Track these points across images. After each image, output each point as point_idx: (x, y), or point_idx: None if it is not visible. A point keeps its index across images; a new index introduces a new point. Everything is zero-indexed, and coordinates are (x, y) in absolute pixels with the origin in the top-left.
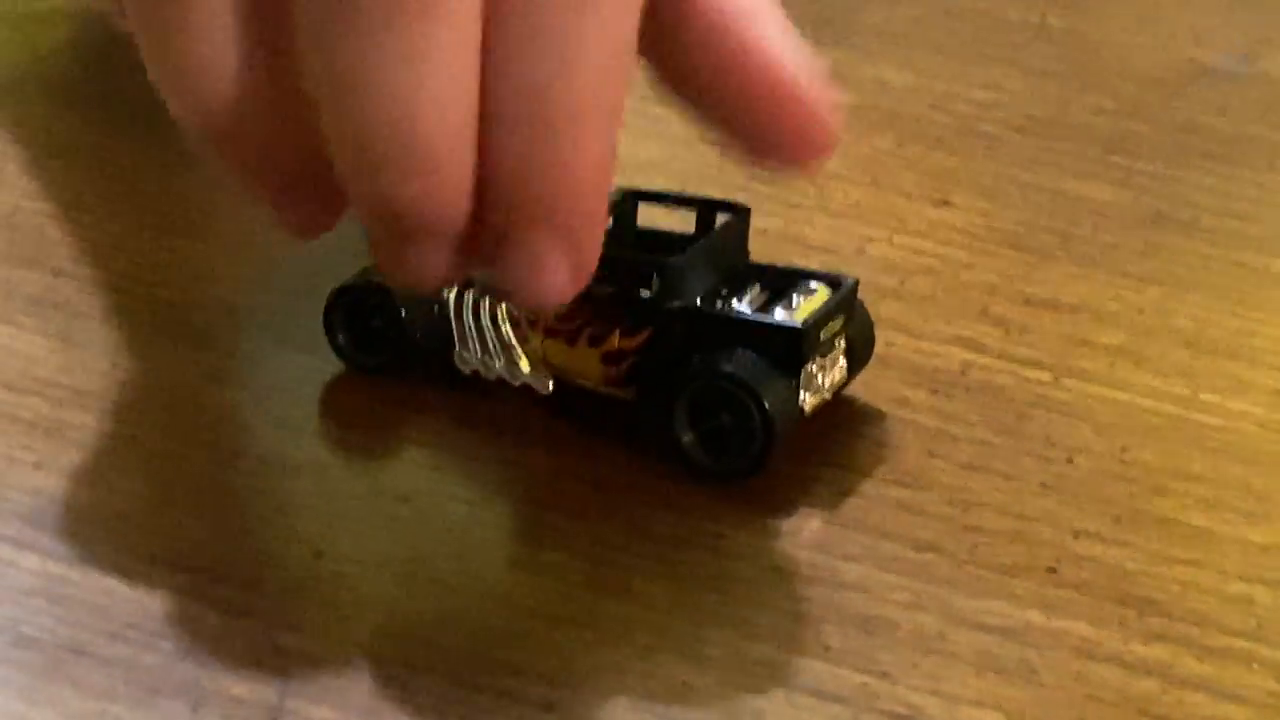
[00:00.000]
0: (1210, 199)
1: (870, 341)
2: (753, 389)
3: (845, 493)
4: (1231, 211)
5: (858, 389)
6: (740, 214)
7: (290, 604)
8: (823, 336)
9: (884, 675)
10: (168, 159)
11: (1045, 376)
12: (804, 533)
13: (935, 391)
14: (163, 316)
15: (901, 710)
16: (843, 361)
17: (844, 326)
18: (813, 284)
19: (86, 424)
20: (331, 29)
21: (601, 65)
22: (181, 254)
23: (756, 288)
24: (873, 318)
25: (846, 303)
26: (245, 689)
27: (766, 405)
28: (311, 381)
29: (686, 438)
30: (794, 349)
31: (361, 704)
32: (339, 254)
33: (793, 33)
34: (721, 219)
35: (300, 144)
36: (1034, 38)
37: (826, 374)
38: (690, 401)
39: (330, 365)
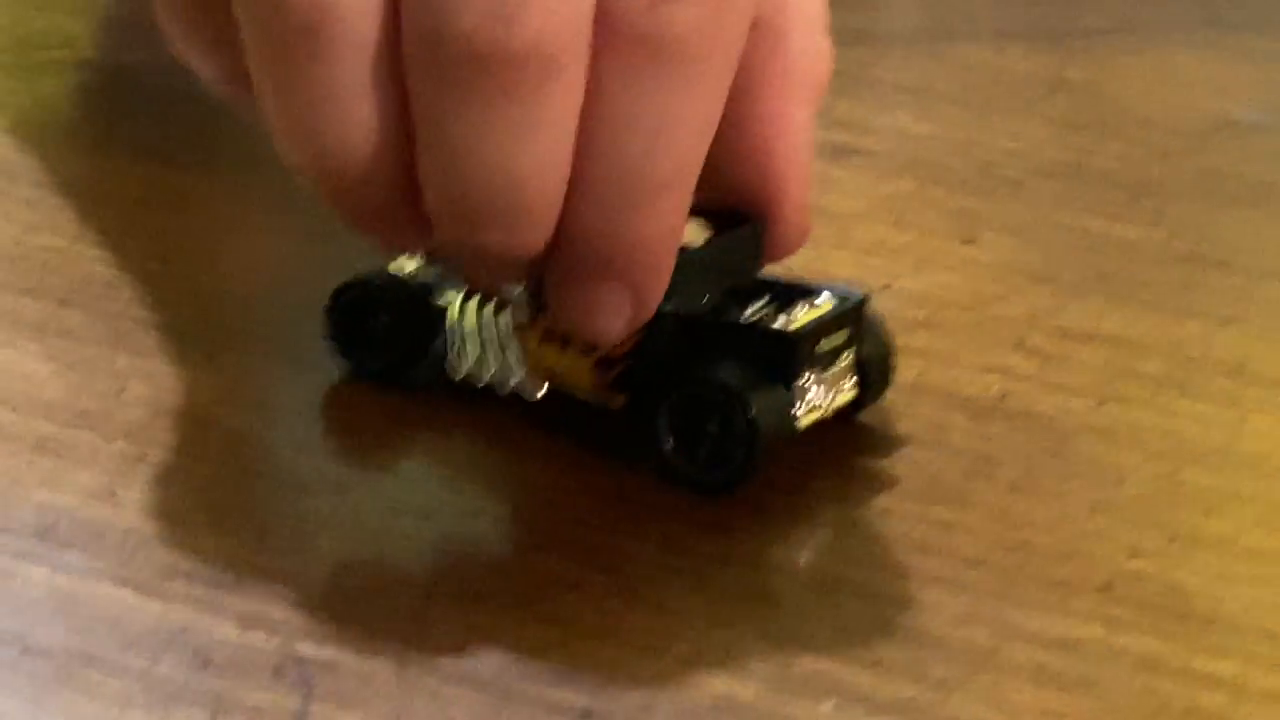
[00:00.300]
0: (1243, 239)
1: (888, 363)
2: (740, 396)
3: (886, 512)
4: (1267, 250)
5: (889, 416)
6: (752, 226)
7: (313, 617)
8: (822, 349)
9: (939, 686)
10: (171, 197)
11: (1087, 404)
12: (846, 550)
13: (973, 417)
14: (169, 342)
15: None
16: (852, 379)
17: (851, 341)
18: (821, 297)
19: (95, 444)
20: (447, 99)
21: (689, 144)
22: (187, 283)
23: (764, 300)
24: (899, 346)
25: (853, 315)
26: (266, 697)
27: (753, 414)
28: (322, 400)
29: (668, 445)
30: (787, 358)
31: (390, 712)
32: (342, 275)
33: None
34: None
35: (404, 187)
36: (1052, 91)
37: (828, 390)
38: (675, 408)
39: (342, 384)
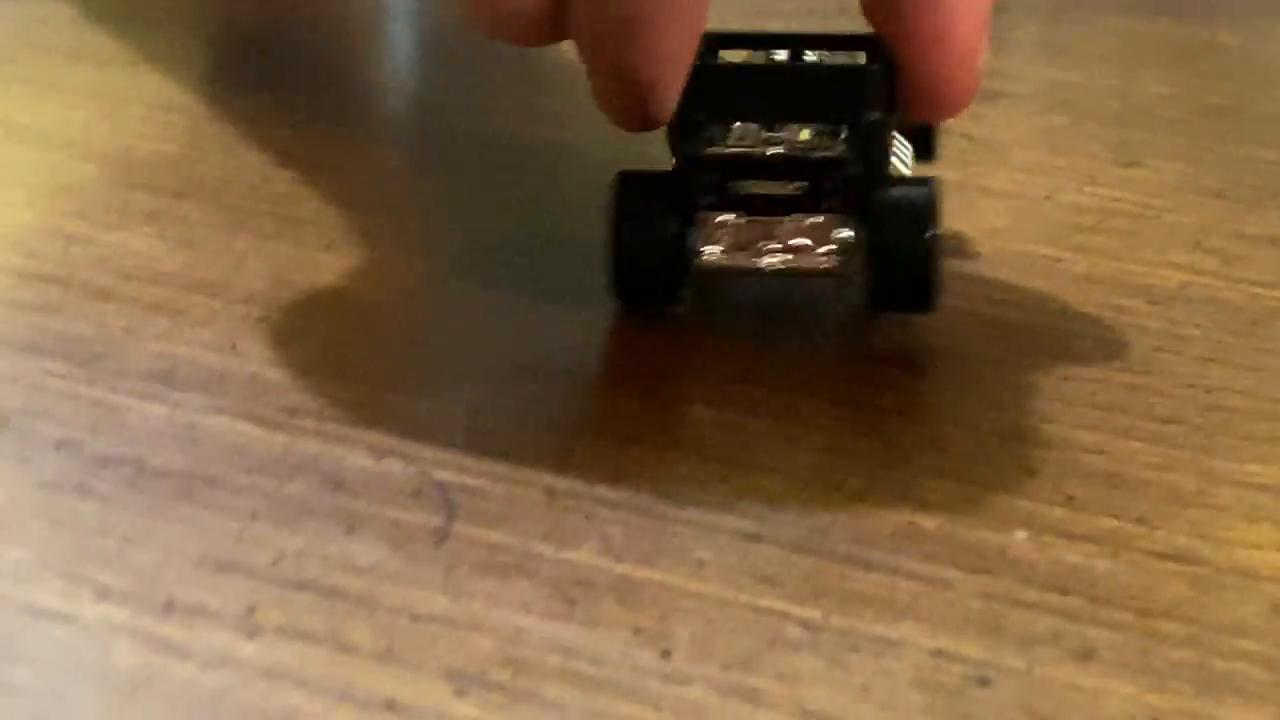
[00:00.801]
0: None
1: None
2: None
3: (1066, 378)
4: None
5: (1057, 298)
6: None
7: (452, 449)
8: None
9: (1140, 521)
10: (284, 120)
11: (1276, 295)
12: (1024, 405)
13: (1154, 303)
14: (289, 228)
15: (1167, 550)
16: None
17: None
18: None
19: (213, 307)
20: None
21: None
22: (304, 185)
23: None
24: (1065, 245)
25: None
26: (406, 514)
27: None
28: (449, 280)
29: None
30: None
31: (541, 530)
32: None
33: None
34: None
35: None
36: (1204, 50)
37: None
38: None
39: (466, 267)
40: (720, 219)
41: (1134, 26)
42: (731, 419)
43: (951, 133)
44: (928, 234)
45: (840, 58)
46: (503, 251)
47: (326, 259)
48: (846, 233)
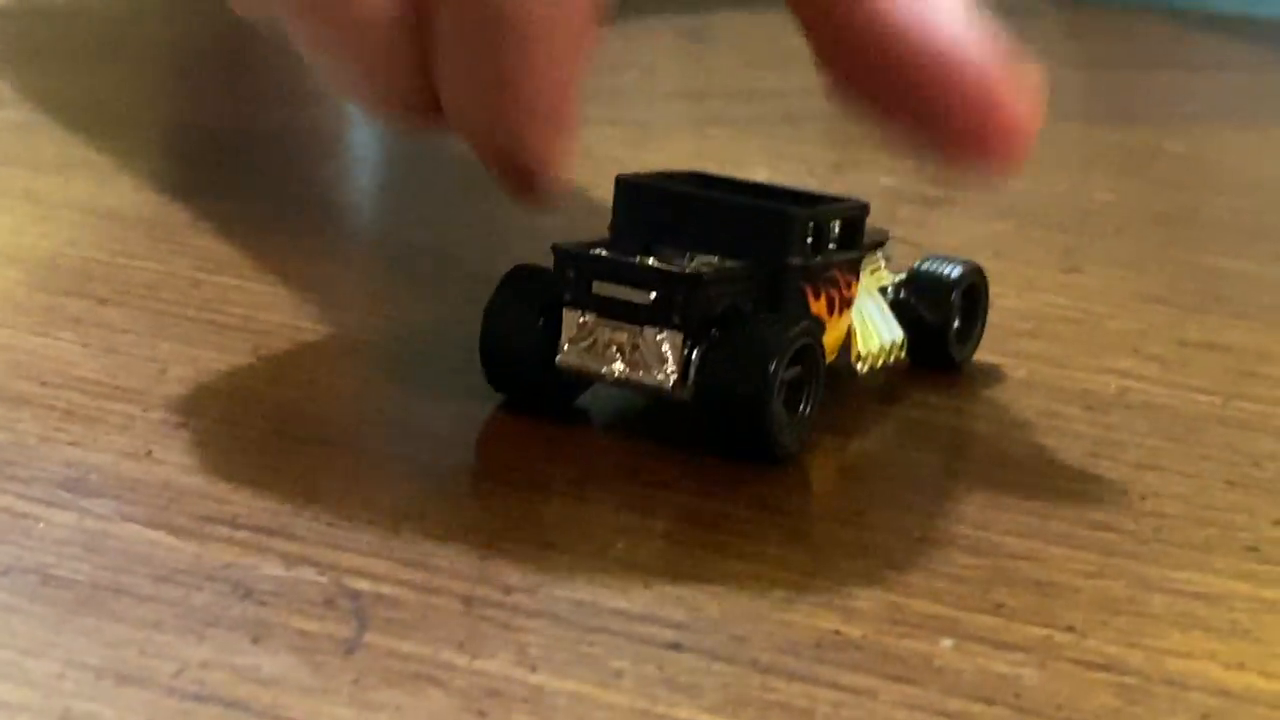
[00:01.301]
0: None
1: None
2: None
3: (998, 484)
4: None
5: (995, 404)
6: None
7: (369, 558)
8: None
9: (1070, 629)
10: (215, 223)
11: (1214, 400)
12: (955, 511)
13: (1090, 408)
14: (213, 334)
15: (1097, 659)
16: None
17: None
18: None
19: (131, 414)
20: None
21: None
22: (231, 290)
23: None
24: (1008, 350)
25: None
26: (315, 624)
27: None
28: (370, 382)
29: None
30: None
31: (456, 639)
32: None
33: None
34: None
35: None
36: (1152, 158)
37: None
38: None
39: (382, 368)
40: (582, 319)
41: (1088, 133)
42: (658, 525)
43: (895, 239)
44: (765, 375)
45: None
46: (435, 355)
47: (250, 364)
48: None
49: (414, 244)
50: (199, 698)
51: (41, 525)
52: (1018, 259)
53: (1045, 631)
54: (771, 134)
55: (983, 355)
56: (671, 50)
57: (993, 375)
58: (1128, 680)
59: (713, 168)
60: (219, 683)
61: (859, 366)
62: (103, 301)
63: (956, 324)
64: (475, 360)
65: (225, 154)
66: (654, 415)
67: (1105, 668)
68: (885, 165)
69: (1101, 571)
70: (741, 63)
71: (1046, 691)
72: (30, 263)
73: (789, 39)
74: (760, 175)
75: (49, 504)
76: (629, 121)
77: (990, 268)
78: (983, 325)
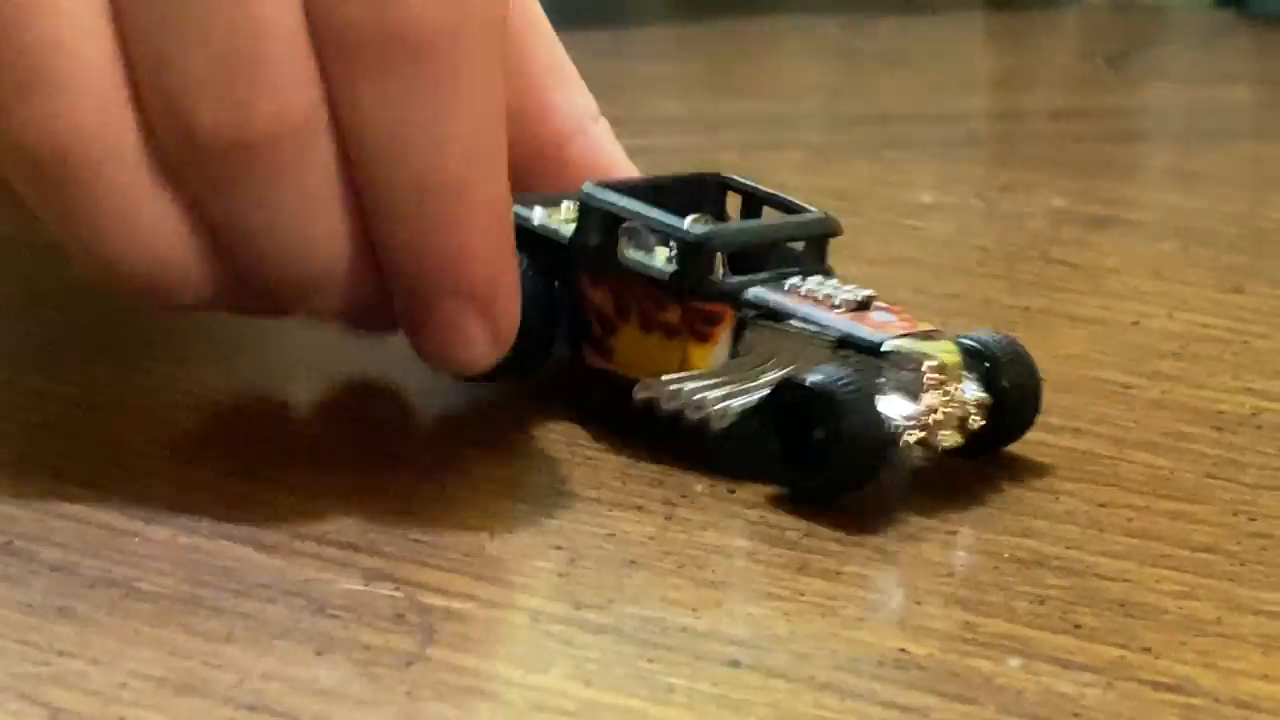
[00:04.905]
0: None
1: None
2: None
3: (1104, 504)
4: None
5: (1117, 422)
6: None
7: (448, 574)
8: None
9: (1146, 650)
10: None
11: None
12: (1052, 532)
13: (1219, 429)
14: (316, 353)
15: (1168, 681)
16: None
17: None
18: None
19: (242, 432)
20: (218, 193)
21: (471, 139)
22: None
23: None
24: (1137, 370)
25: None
26: (380, 638)
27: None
28: (469, 402)
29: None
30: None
31: (517, 654)
32: None
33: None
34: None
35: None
36: None
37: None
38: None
39: (473, 390)
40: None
41: (1269, 152)
42: (741, 544)
43: (1051, 260)
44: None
45: None
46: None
47: (348, 384)
48: None
49: None
50: (252, 708)
51: (137, 540)
52: (1176, 279)
53: (1119, 652)
54: (947, 156)
55: (1116, 375)
56: (861, 74)
57: (1122, 396)
58: (1195, 701)
59: (880, 191)
60: (275, 694)
61: None
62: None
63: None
64: (575, 380)
65: None
66: (747, 439)
67: (1174, 689)
68: (1056, 187)
69: (1192, 592)
70: (930, 85)
71: (1107, 712)
72: None
73: (979, 61)
74: (926, 198)
75: (149, 520)
76: (805, 146)
77: (1147, 288)
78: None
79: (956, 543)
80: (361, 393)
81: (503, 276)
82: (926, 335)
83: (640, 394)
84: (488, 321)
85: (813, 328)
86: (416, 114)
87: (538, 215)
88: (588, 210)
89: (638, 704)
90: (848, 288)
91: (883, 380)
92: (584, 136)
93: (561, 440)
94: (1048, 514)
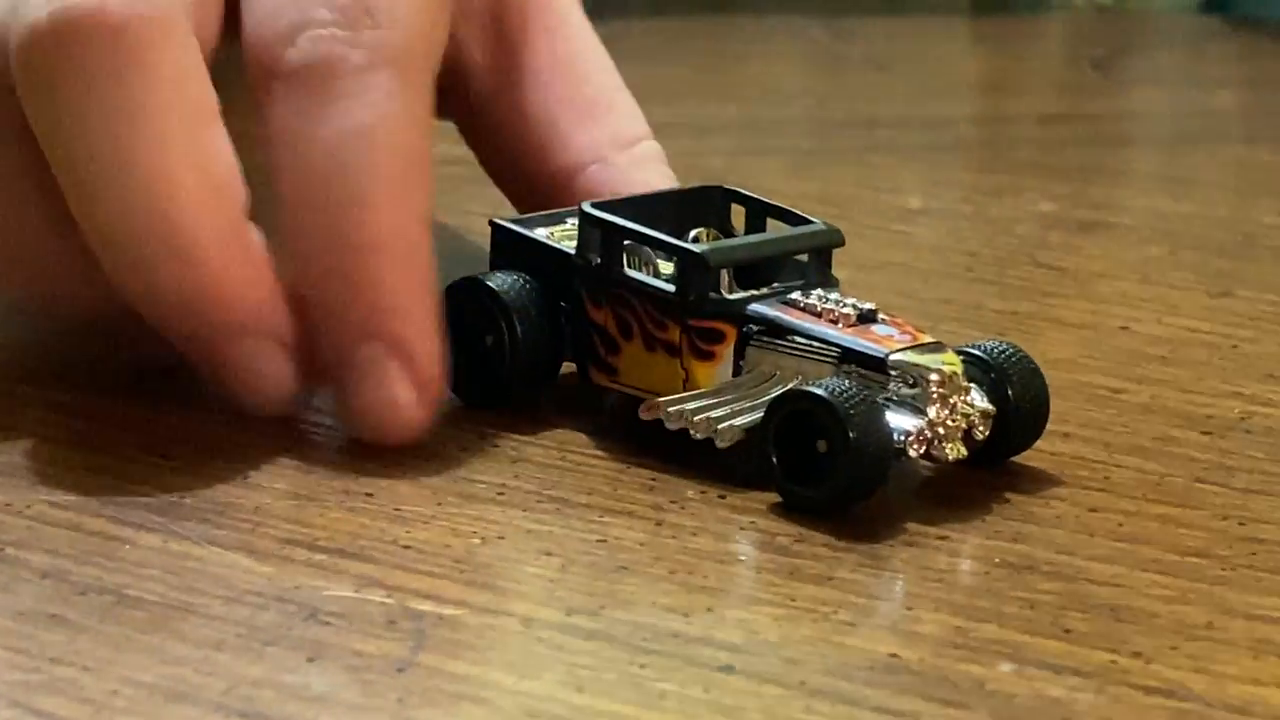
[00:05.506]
0: None
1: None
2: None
3: (1094, 509)
4: None
5: (1104, 427)
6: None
7: (439, 580)
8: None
9: (1137, 655)
10: None
11: None
12: (1044, 537)
13: (1208, 434)
14: None
15: (1159, 685)
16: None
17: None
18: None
19: (233, 439)
20: (56, 110)
21: (382, 156)
22: None
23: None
24: (1127, 374)
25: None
26: (373, 645)
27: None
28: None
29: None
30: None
31: (508, 660)
32: None
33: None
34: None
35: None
36: None
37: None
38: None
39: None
40: None
41: (1256, 156)
42: (733, 549)
43: (1040, 264)
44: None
45: None
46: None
47: None
48: None
49: None
50: (243, 715)
51: (127, 547)
52: (1165, 283)
53: (1110, 657)
54: (934, 161)
55: (1105, 380)
56: (847, 78)
57: (1111, 401)
58: (1186, 706)
59: (867, 196)
60: (266, 700)
61: None
62: None
63: None
64: (567, 385)
65: None
66: (742, 446)
67: (1165, 693)
68: (1044, 191)
69: (1183, 597)
70: (917, 90)
71: (1098, 716)
72: None
73: (966, 65)
74: (914, 203)
75: (139, 527)
76: (792, 151)
77: (1135, 293)
78: None
79: (947, 548)
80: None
81: (418, 322)
82: (930, 348)
83: (644, 414)
84: (410, 371)
85: (816, 344)
86: (334, 127)
87: (540, 234)
88: (585, 229)
89: (629, 710)
90: (850, 301)
91: (888, 394)
92: (602, 168)
93: (552, 446)
94: (1038, 519)
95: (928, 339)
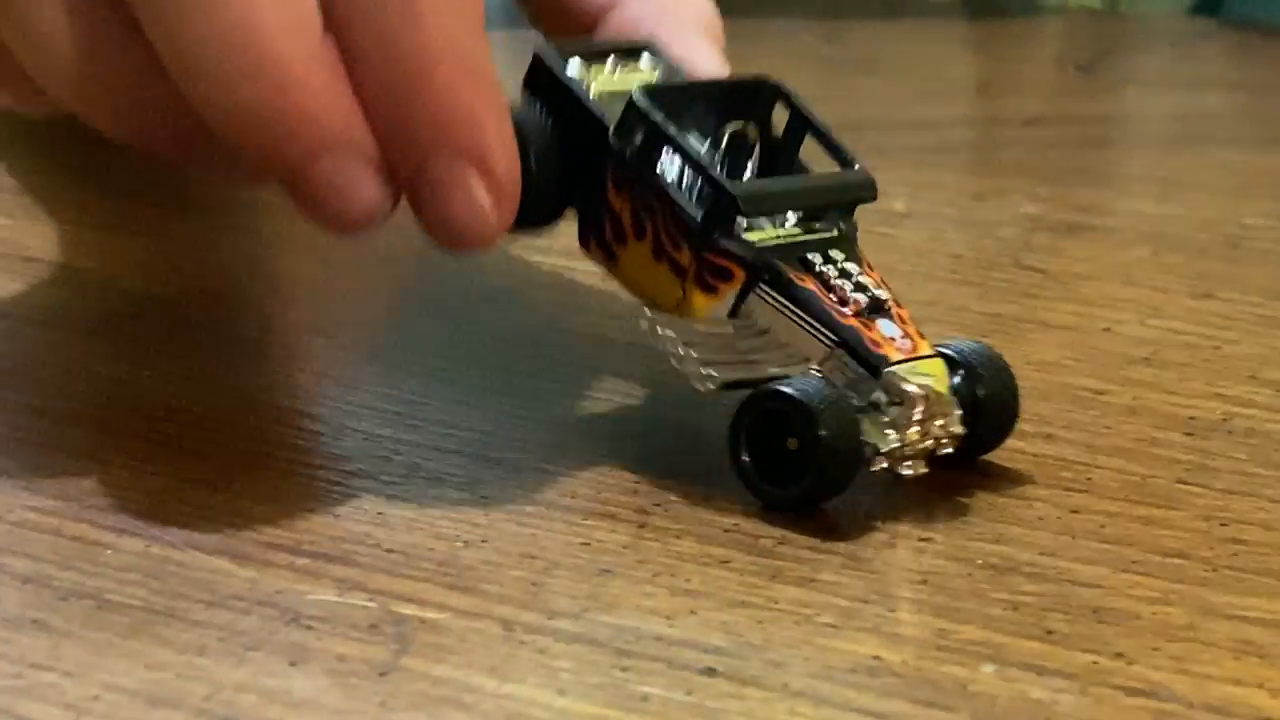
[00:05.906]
0: None
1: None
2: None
3: (1076, 510)
4: None
5: (1088, 430)
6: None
7: (422, 584)
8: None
9: (1119, 656)
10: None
11: None
12: (1026, 539)
13: (1190, 435)
14: (297, 368)
15: (1140, 686)
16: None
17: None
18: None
19: (219, 442)
20: None
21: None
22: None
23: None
24: (1110, 376)
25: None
26: (355, 649)
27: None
28: (450, 410)
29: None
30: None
31: (491, 661)
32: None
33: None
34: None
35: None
36: None
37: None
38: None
39: (457, 398)
40: None
41: (1245, 159)
42: (715, 552)
43: (1024, 266)
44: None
45: None
46: (509, 382)
47: (336, 402)
48: None
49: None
50: (225, 719)
51: (109, 552)
52: (1148, 285)
53: (1092, 658)
54: (921, 164)
55: (1088, 382)
56: (836, 81)
57: (1094, 402)
58: (1168, 707)
59: None
60: (248, 705)
61: None
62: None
63: None
64: (550, 389)
65: None
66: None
67: (1147, 694)
68: (1030, 193)
69: (1165, 598)
70: (906, 93)
71: (1080, 718)
72: None
73: (955, 68)
74: (900, 206)
75: (121, 532)
76: None
77: (1119, 295)
78: None
79: (930, 549)
80: (331, 402)
81: (492, 129)
82: (925, 359)
83: (644, 325)
84: (487, 180)
85: (816, 326)
86: None
87: (574, 67)
88: (630, 116)
89: (612, 713)
90: (865, 282)
91: (870, 400)
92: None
93: (535, 448)
94: (1021, 520)
95: (926, 349)
